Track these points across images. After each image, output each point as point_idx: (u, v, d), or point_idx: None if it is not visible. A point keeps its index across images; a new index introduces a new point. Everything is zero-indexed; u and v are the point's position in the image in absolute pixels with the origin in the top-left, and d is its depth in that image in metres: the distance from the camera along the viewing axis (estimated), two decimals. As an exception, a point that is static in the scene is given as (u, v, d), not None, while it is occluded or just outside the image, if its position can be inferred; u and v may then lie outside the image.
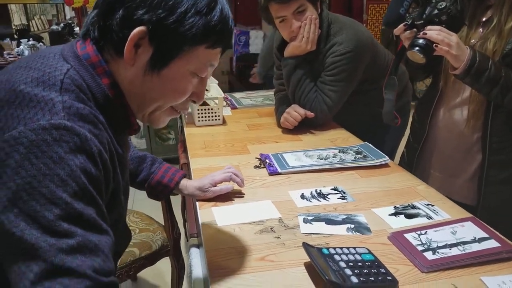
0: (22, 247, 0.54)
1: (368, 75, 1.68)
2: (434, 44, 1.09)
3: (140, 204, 2.13)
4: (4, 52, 3.77)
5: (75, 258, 0.55)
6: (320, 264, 0.79)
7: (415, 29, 1.15)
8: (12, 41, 4.02)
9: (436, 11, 1.12)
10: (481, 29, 1.24)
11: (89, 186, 0.60)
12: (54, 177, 0.56)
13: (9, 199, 0.55)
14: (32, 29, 7.28)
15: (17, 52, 3.79)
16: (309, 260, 0.83)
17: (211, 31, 0.68)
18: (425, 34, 1.10)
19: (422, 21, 1.13)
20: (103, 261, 0.58)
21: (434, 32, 1.09)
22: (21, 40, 3.93)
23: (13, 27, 5.44)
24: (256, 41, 4.26)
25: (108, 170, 0.66)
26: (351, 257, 0.84)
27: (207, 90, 1.99)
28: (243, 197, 1.16)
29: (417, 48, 1.10)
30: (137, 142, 3.59)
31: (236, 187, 1.18)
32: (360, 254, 0.86)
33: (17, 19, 7.30)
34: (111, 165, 0.68)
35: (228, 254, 0.90)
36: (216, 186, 1.14)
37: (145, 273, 2.09)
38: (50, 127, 0.57)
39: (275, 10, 1.55)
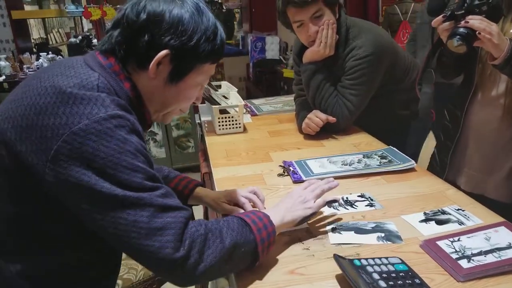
0: (126, 204, 0.71)
1: (389, 78, 1.65)
2: (477, 32, 1.08)
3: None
4: (24, 66, 3.85)
5: (169, 199, 0.75)
6: (353, 276, 0.77)
7: (453, 21, 1.15)
8: (32, 55, 4.09)
9: (477, 1, 1.11)
10: None
11: (148, 155, 0.78)
12: (127, 153, 0.72)
13: (96, 179, 0.70)
14: (50, 43, 7.43)
15: (36, 66, 3.86)
16: (341, 272, 0.81)
17: (215, 51, 0.87)
18: (467, 22, 1.10)
19: (462, 11, 1.12)
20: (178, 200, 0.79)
21: (476, 21, 1.09)
22: (40, 54, 4.00)
23: (32, 41, 5.56)
24: (272, 46, 4.26)
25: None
26: (384, 268, 0.82)
27: (226, 97, 2.00)
28: (269, 207, 1.14)
29: (458, 36, 1.10)
30: (157, 151, 3.61)
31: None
32: (393, 265, 0.83)
33: (36, 32, 7.48)
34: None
35: (255, 269, 0.88)
36: (231, 203, 1.12)
37: (168, 287, 2.09)
38: (109, 117, 0.72)
39: (293, 15, 1.55)
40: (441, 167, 1.44)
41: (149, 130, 1.00)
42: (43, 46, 5.22)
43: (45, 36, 7.87)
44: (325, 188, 1.03)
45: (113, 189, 0.70)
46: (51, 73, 0.79)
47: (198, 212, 1.61)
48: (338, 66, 1.63)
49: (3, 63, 3.72)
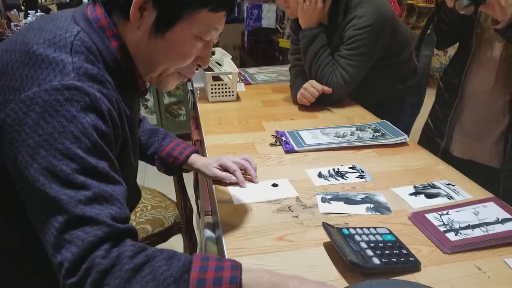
0: (44, 199, 0.60)
1: (387, 51, 1.62)
2: None
3: (153, 181, 2.14)
4: (12, 24, 3.74)
5: (93, 207, 0.60)
6: (340, 244, 0.77)
7: None
8: (20, 13, 3.97)
9: None
10: None
11: (101, 142, 0.65)
12: (68, 135, 0.61)
13: (29, 155, 0.60)
14: (40, 1, 7.20)
15: (24, 23, 3.75)
16: (329, 240, 0.81)
17: None
18: None
19: None
20: (118, 209, 0.63)
21: None
22: (29, 12, 3.89)
23: (20, -2, 5.37)
24: (269, 14, 4.17)
25: (117, 126, 0.71)
26: (372, 237, 0.83)
27: (219, 64, 1.96)
28: (260, 175, 1.13)
29: None
30: (148, 118, 3.57)
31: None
32: (381, 235, 0.84)
33: (25, -10, 7.22)
34: (119, 122, 0.72)
35: (245, 234, 0.88)
36: (222, 169, 1.10)
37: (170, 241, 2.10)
38: (62, 88, 0.61)
39: None
40: (439, 136, 1.47)
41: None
42: (32, 3, 5.04)
43: (34, -5, 7.60)
44: None
45: (39, 174, 0.60)
46: (31, 26, 0.72)
47: (188, 179, 1.61)
48: (337, 35, 1.59)
49: (-10, 20, 3.61)
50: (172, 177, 1.55)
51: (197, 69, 0.85)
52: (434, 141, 1.49)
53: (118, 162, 0.70)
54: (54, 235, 0.59)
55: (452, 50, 1.51)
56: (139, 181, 1.08)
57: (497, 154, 1.34)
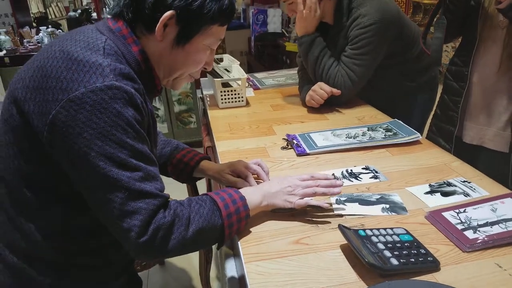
0: (105, 181, 0.73)
1: (394, 48, 1.61)
2: None
3: (167, 189, 2.14)
4: (24, 41, 3.80)
5: (146, 184, 0.76)
6: (357, 246, 0.77)
7: None
8: (31, 29, 4.03)
9: None
10: None
11: (141, 130, 0.78)
12: (118, 127, 0.73)
13: (86, 146, 0.72)
14: (49, 17, 7.33)
15: (36, 39, 3.81)
16: (346, 242, 0.81)
17: (223, 13, 0.85)
18: None
19: None
20: (161, 183, 0.81)
21: None
22: (40, 28, 3.94)
23: (31, 15, 5.48)
24: (274, 19, 4.16)
25: (147, 115, 0.83)
26: (389, 238, 0.82)
27: (228, 71, 1.97)
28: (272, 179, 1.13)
29: None
30: (159, 127, 3.60)
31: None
32: (398, 235, 0.83)
33: (35, 6, 7.35)
34: (148, 113, 0.84)
35: (260, 238, 0.88)
36: (235, 174, 1.11)
37: (173, 258, 2.11)
38: (105, 88, 0.72)
39: None
40: (451, 123, 1.48)
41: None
42: (43, 20, 5.14)
43: (44, 10, 7.75)
44: (320, 191, 0.94)
45: (98, 160, 0.72)
46: (62, 38, 0.82)
47: (201, 186, 1.61)
48: (341, 36, 1.59)
49: (3, 37, 3.67)
50: (186, 186, 1.56)
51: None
52: (446, 130, 1.49)
53: None
54: (117, 208, 0.73)
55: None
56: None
57: (503, 139, 1.34)
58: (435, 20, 1.39)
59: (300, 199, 0.94)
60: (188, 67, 0.91)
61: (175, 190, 1.56)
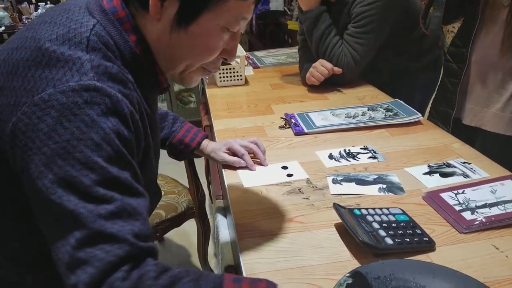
0: (61, 213, 0.53)
1: (398, 27, 1.57)
2: None
3: (165, 167, 2.13)
4: (23, 17, 3.75)
5: (114, 223, 0.53)
6: (352, 225, 0.76)
7: None
8: (30, 5, 3.98)
9: None
10: None
11: (123, 149, 0.57)
12: (88, 141, 0.54)
13: (44, 164, 0.53)
14: (49, -7, 7.21)
15: (35, 16, 3.76)
16: (340, 221, 0.79)
17: None
18: None
19: None
20: (142, 225, 0.56)
21: None
22: (39, 4, 3.89)
23: (30, -9, 5.39)
24: (277, -3, 4.09)
25: (139, 131, 0.64)
26: (384, 217, 0.81)
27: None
28: (269, 158, 1.12)
29: None
30: (159, 105, 3.58)
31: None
32: (393, 215, 0.82)
33: (34, -17, 7.23)
34: (141, 125, 0.65)
35: (256, 216, 0.87)
36: (230, 153, 1.09)
37: (172, 235, 2.12)
38: (80, 89, 0.54)
39: None
40: (449, 106, 1.45)
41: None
42: (42, -4, 5.05)
43: (43, -13, 7.62)
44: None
45: (53, 189, 0.53)
46: (41, 19, 0.64)
47: (199, 164, 1.60)
48: (344, 13, 1.55)
49: (1, 13, 3.62)
50: (183, 162, 1.55)
51: (222, 63, 0.76)
52: (445, 112, 1.47)
53: (139, 167, 0.63)
54: (69, 253, 0.52)
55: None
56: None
57: (502, 120, 1.32)
58: None
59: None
60: (196, 56, 0.68)
61: (173, 168, 1.55)
